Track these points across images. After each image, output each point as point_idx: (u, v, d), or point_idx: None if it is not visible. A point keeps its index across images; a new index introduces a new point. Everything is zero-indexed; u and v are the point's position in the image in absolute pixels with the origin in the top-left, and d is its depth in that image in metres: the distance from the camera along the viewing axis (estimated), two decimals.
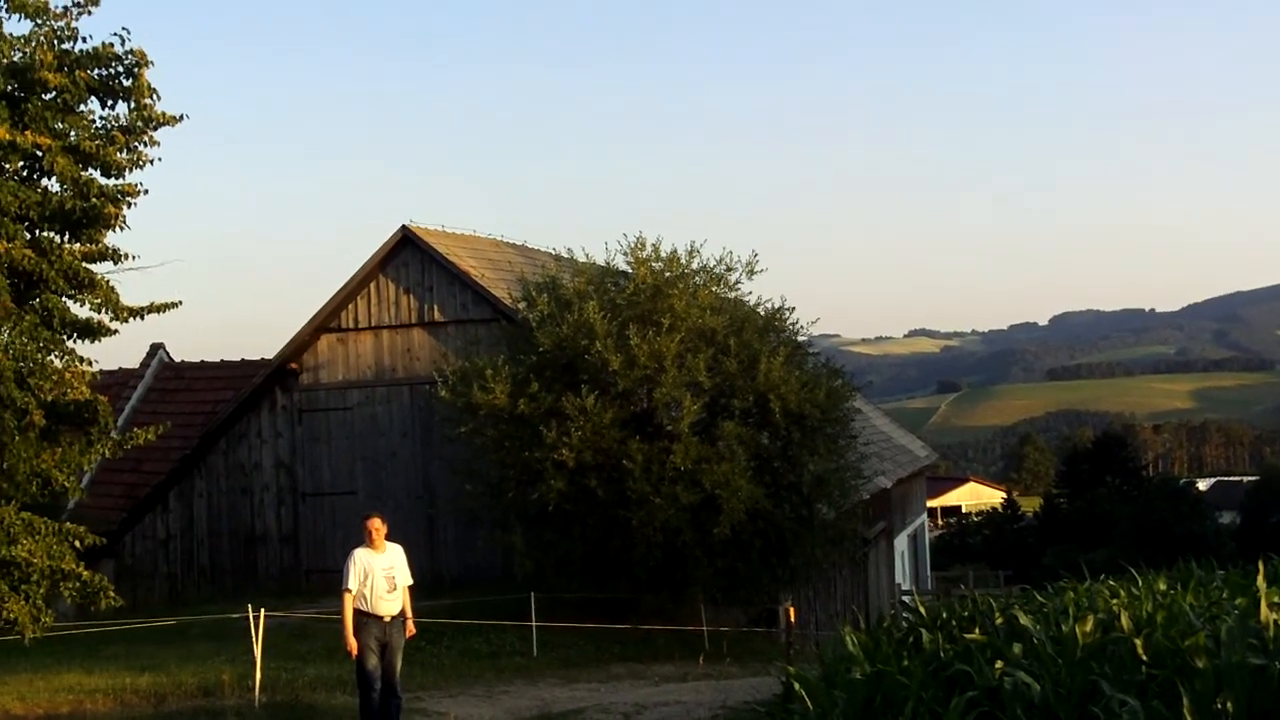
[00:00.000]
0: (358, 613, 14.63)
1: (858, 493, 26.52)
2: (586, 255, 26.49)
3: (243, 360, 34.11)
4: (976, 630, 11.03)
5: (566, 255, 27.48)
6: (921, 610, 13.78)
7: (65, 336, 14.22)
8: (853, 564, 32.61)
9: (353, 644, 14.54)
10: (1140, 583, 14.92)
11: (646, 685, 19.40)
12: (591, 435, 22.73)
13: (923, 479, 51.26)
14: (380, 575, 14.70)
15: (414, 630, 15.34)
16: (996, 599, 14.32)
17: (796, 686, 9.41)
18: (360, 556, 14.77)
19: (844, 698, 8.90)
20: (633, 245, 25.17)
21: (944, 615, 12.98)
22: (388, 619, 14.72)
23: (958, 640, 10.60)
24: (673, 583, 23.73)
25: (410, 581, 15.11)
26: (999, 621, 11.68)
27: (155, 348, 35.74)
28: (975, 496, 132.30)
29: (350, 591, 14.60)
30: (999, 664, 9.23)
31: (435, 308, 29.50)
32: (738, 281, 25.65)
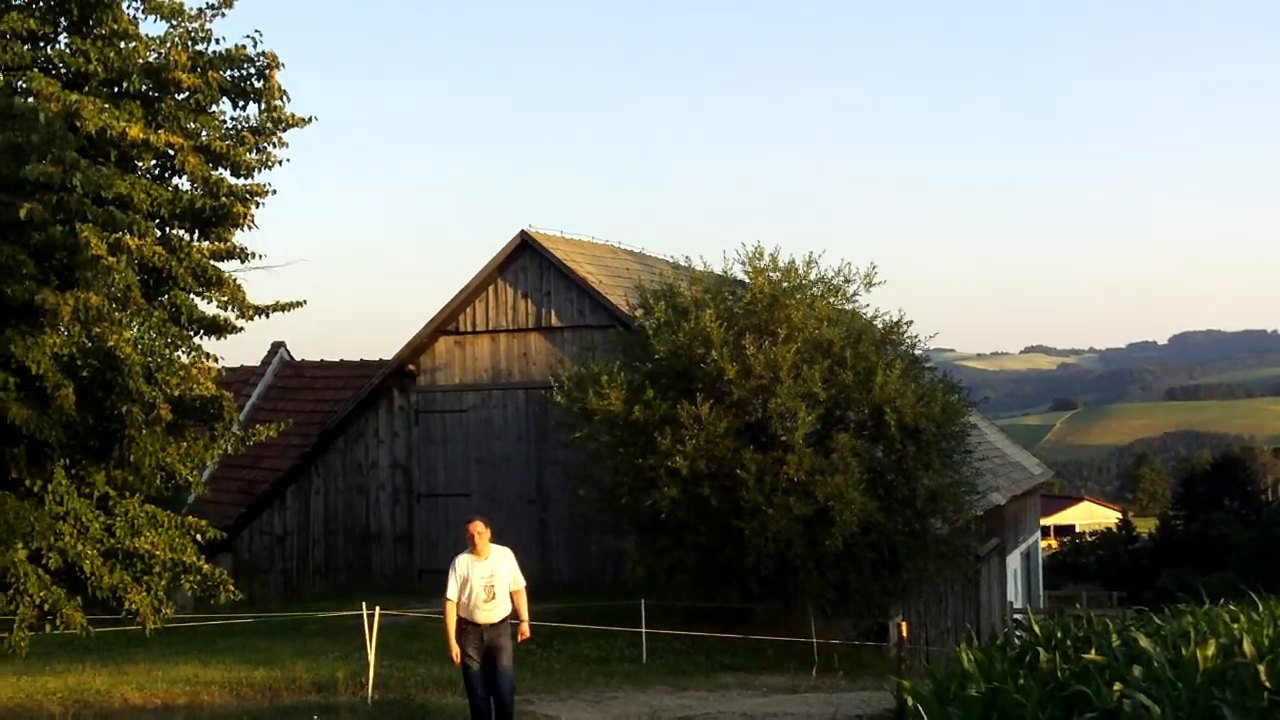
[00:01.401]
0: (460, 620, 14.49)
1: (972, 508, 26.30)
2: (704, 263, 26.54)
3: (361, 360, 34.49)
4: (1093, 651, 10.93)
5: (684, 263, 27.50)
6: (1036, 629, 13.66)
7: (192, 333, 14.47)
8: (965, 580, 32.35)
9: (454, 651, 14.47)
10: (1260, 608, 14.69)
11: (755, 695, 19.36)
12: (705, 444, 22.74)
13: (1037, 497, 50.70)
14: (478, 584, 14.46)
15: (527, 634, 15.04)
16: (1113, 620, 14.16)
17: (910, 702, 9.38)
18: (460, 564, 14.59)
19: (959, 714, 8.86)
20: (750, 254, 25.17)
21: (1059, 635, 12.85)
22: (487, 626, 14.47)
23: (1074, 660, 10.51)
24: (783, 594, 23.67)
25: (520, 585, 14.80)
26: (1116, 643, 11.55)
27: (276, 346, 36.22)
28: (1090, 516, 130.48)
29: (451, 600, 14.47)
30: (1118, 686, 9.13)
31: (552, 313, 29.63)
32: (855, 293, 25.56)
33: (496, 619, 14.54)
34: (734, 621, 23.84)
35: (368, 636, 18.18)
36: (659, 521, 23.40)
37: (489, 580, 14.46)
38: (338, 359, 35.66)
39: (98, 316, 11.48)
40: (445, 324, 30.45)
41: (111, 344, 11.90)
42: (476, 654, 14.45)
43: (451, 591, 14.44)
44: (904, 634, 18.88)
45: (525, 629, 14.98)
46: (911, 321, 25.75)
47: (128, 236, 11.94)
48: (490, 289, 30.13)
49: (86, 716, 16.45)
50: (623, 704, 18.29)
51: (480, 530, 14.72)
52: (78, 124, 12.29)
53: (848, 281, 25.40)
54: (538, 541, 29.41)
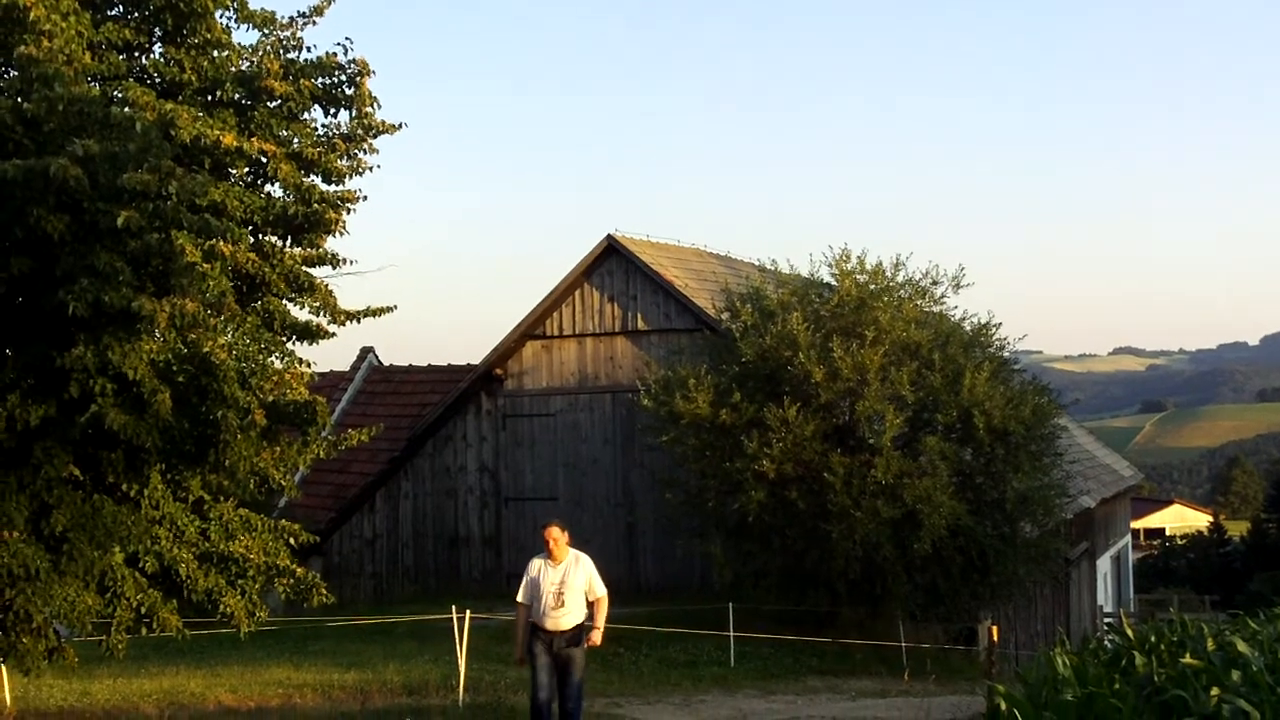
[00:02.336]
0: (530, 625, 14.23)
1: (1062, 511, 26.10)
2: (790, 266, 26.50)
3: (449, 365, 34.70)
4: (1188, 655, 10.82)
5: (770, 266, 27.49)
6: (1129, 633, 13.54)
7: (285, 338, 14.58)
8: (1054, 584, 32.09)
9: (519, 650, 14.41)
10: None
11: (844, 699, 19.31)
12: (793, 447, 22.72)
13: (1127, 500, 50.26)
14: (548, 590, 14.12)
15: (597, 641, 14.45)
16: (1207, 624, 14.01)
17: (1003, 706, 9.32)
18: (533, 568, 14.35)
19: (1054, 719, 8.81)
20: (837, 257, 25.12)
21: (1153, 639, 12.73)
22: (556, 634, 14.11)
23: (1169, 665, 10.41)
24: (871, 597, 23.61)
25: (599, 594, 14.40)
26: (1212, 647, 11.42)
27: (365, 351, 36.50)
28: (1180, 519, 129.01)
29: (520, 603, 14.36)
30: (1215, 691, 9.02)
31: (638, 316, 29.69)
32: (943, 295, 25.47)
33: (566, 626, 14.18)
34: (821, 625, 23.80)
35: (457, 640, 18.29)
36: (746, 525, 23.40)
37: (559, 587, 14.13)
38: (425, 364, 35.90)
39: (193, 322, 11.58)
40: (532, 328, 30.58)
41: (207, 350, 12.01)
42: (546, 659, 14.13)
43: (521, 594, 14.34)
44: (994, 637, 18.75)
45: (596, 636, 14.43)
46: (1000, 323, 25.65)
47: (222, 243, 12.05)
48: (577, 293, 30.24)
49: (182, 718, 16.66)
50: (711, 708, 18.29)
51: (556, 536, 14.40)
52: (173, 133, 12.42)
53: (935, 283, 25.33)
54: (624, 545, 29.50)
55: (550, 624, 14.10)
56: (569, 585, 14.17)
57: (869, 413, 22.97)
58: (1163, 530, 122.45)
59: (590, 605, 14.39)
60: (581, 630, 14.25)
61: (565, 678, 14.11)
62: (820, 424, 23.10)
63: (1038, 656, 12.70)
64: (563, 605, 14.10)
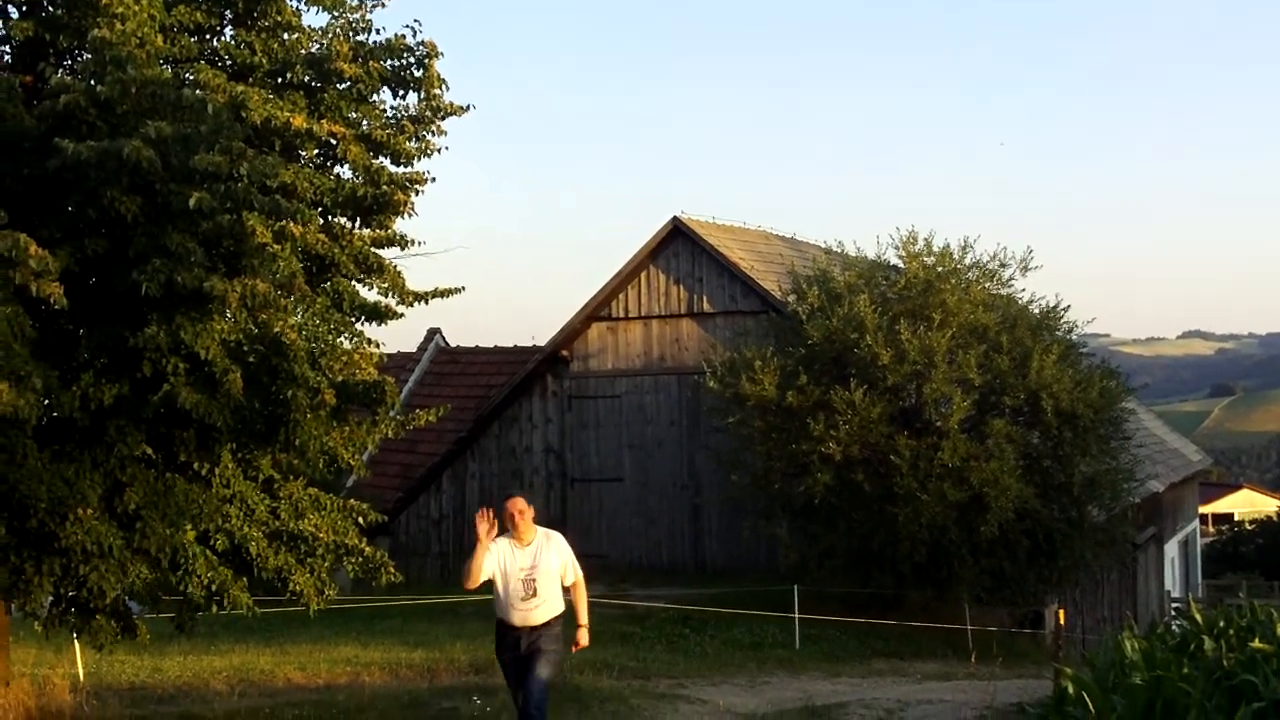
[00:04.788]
0: (497, 621, 12.12)
1: (1129, 495, 25.96)
2: (857, 249, 26.45)
3: (515, 346, 34.81)
4: (1257, 639, 10.76)
5: (837, 248, 27.43)
6: (1198, 617, 13.46)
7: (354, 319, 14.69)
8: (1121, 569, 31.92)
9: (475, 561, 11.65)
10: None
11: (909, 682, 19.29)
12: (859, 429, 22.69)
13: (1195, 484, 49.83)
14: (516, 578, 11.81)
15: (584, 642, 12.34)
16: (1277, 609, 13.91)
17: (1071, 689, 9.31)
18: (497, 551, 11.85)
19: (1123, 703, 8.78)
20: (904, 239, 25.06)
21: (1222, 624, 12.66)
22: (526, 630, 11.86)
23: (1239, 650, 10.36)
24: (937, 580, 23.56)
25: (573, 579, 12.15)
26: None
27: (432, 332, 36.68)
28: (1249, 504, 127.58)
29: (477, 563, 11.70)
30: None
31: (704, 298, 29.69)
32: (1011, 278, 25.37)
33: (539, 621, 11.90)
34: (886, 608, 23.78)
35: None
36: (812, 507, 23.39)
37: (530, 573, 11.82)
38: (491, 345, 36.03)
39: (264, 303, 11.67)
40: (598, 310, 30.64)
41: (277, 330, 12.11)
42: (511, 660, 12.04)
43: (479, 569, 11.76)
44: (1061, 621, 18.67)
45: (583, 636, 12.35)
46: (1069, 306, 25.52)
47: (292, 224, 12.13)
48: (643, 275, 30.26)
49: (252, 695, 16.82)
50: (776, 689, 18.30)
51: (521, 508, 11.97)
52: (244, 115, 12.50)
53: (1003, 266, 25.25)
54: (690, 526, 29.53)
55: (519, 618, 11.86)
56: (541, 570, 11.88)
57: (936, 395, 22.91)
58: (1231, 515, 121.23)
59: (566, 593, 12.23)
60: (556, 624, 12.06)
61: (528, 673, 11.78)
62: (887, 407, 23.05)
63: (1104, 641, 12.67)
64: (535, 594, 11.82)
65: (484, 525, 11.71)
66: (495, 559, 11.81)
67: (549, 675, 11.98)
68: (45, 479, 12.06)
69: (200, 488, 13.42)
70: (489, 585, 11.95)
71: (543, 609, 11.88)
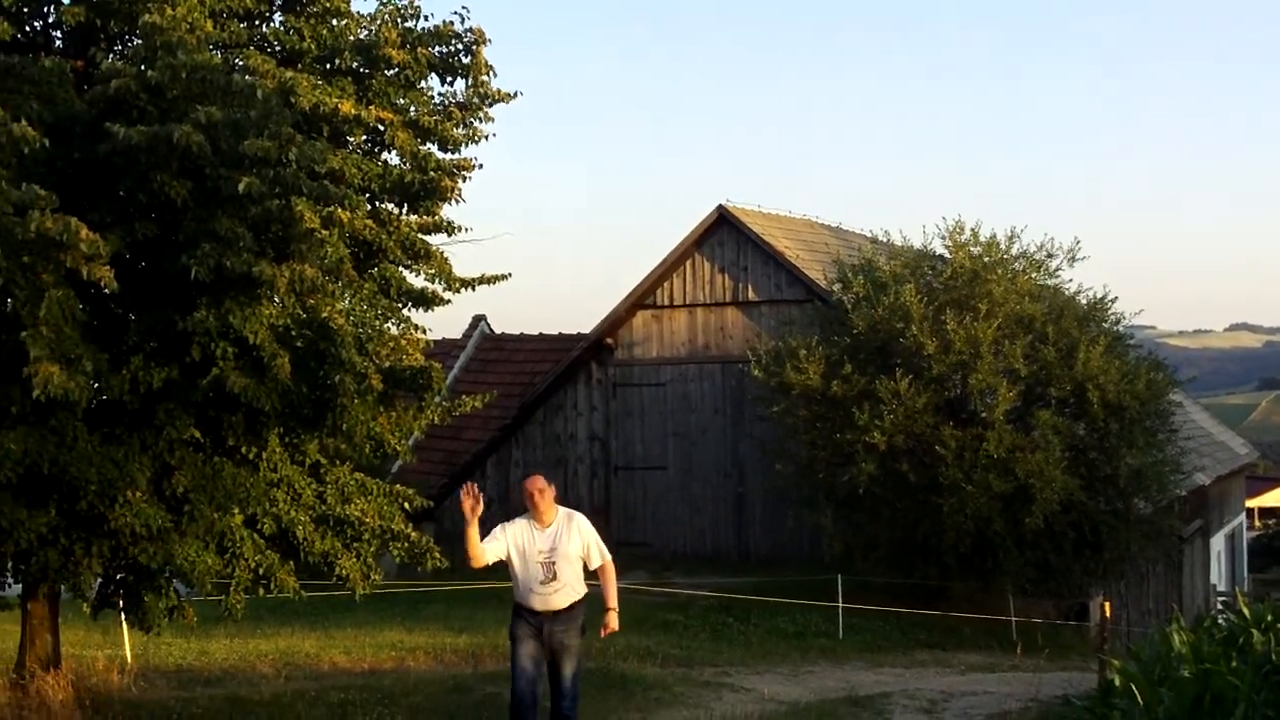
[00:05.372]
0: (514, 605, 11.65)
1: (1176, 488, 25.81)
2: (903, 238, 26.38)
3: (560, 334, 34.80)
4: None
5: (882, 238, 27.36)
6: (1246, 611, 13.35)
7: (401, 305, 14.79)
8: (1167, 562, 31.74)
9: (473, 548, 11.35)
10: None
11: (952, 674, 19.25)
12: (904, 419, 22.65)
13: (1242, 478, 49.49)
14: (535, 560, 11.40)
15: (614, 626, 11.84)
16: None
17: (1118, 682, 9.25)
18: (514, 531, 11.56)
19: (1170, 696, 8.71)
20: (951, 229, 24.99)
21: (1269, 617, 12.56)
22: (548, 615, 11.44)
23: None
24: (982, 571, 23.49)
25: (600, 562, 11.74)
26: None
27: (477, 319, 36.72)
28: None
29: (481, 547, 11.42)
30: None
31: (749, 287, 29.64)
32: (1058, 269, 25.26)
33: (560, 605, 11.46)
34: (930, 599, 23.74)
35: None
36: (856, 497, 23.36)
37: (549, 555, 11.41)
38: (535, 332, 36.06)
39: (312, 288, 11.73)
40: (643, 298, 30.64)
41: (325, 315, 12.18)
42: (533, 644, 11.50)
43: (490, 550, 11.47)
44: (1108, 614, 18.59)
45: (613, 619, 11.81)
46: (1116, 298, 25.41)
47: (340, 210, 12.20)
48: (688, 263, 30.24)
49: (297, 679, 16.90)
50: (819, 678, 18.29)
51: (542, 487, 11.62)
52: (292, 100, 12.57)
53: (1050, 256, 25.13)
54: (733, 515, 29.51)
55: (540, 603, 11.41)
56: (562, 553, 11.47)
57: (981, 386, 22.84)
58: (1278, 509, 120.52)
59: (598, 575, 11.85)
60: (579, 610, 11.65)
61: (557, 671, 11.54)
62: (932, 396, 23.00)
63: (1151, 633, 12.58)
64: (555, 578, 11.39)
65: (469, 502, 11.40)
66: (513, 539, 11.50)
67: (576, 670, 11.63)
68: (95, 461, 12.16)
69: (248, 471, 13.52)
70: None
71: (564, 593, 11.46)
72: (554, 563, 11.37)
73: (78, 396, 10.84)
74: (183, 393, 12.37)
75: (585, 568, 11.75)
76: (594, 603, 11.95)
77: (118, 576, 13.93)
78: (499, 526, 11.64)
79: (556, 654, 11.46)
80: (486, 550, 11.44)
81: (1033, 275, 24.75)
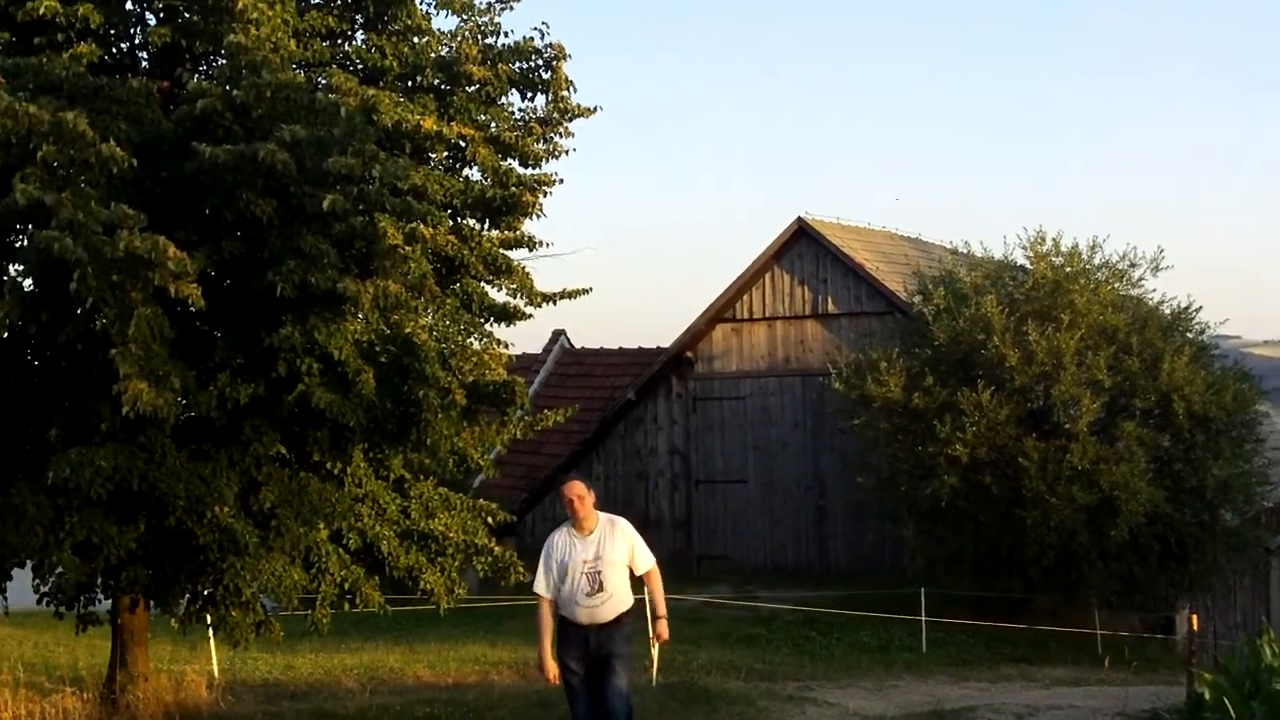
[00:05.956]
0: (560, 620, 10.77)
1: (1263, 499, 25.55)
2: (984, 249, 26.27)
3: (639, 348, 34.84)
4: None
5: (963, 249, 27.25)
6: None
7: (484, 320, 14.86)
8: (1254, 574, 31.35)
9: (548, 667, 10.75)
10: None
11: (1037, 688, 19.07)
12: (986, 431, 22.54)
13: None
14: (579, 570, 10.57)
15: (665, 635, 11.30)
16: None
17: (1208, 695, 9.18)
18: (555, 544, 10.77)
19: (1262, 710, 8.65)
20: (1032, 240, 24.87)
21: None
22: (594, 628, 10.63)
23: None
24: (1066, 584, 23.32)
25: (646, 567, 10.93)
26: None
27: (557, 334, 36.83)
28: None
29: (544, 597, 10.77)
30: None
31: (829, 299, 29.60)
32: (1141, 278, 25.06)
33: (606, 618, 10.66)
34: (1014, 612, 23.57)
35: (649, 620, 18.37)
36: (938, 510, 23.26)
37: (594, 565, 10.61)
38: (614, 346, 36.10)
39: (396, 304, 11.80)
40: (722, 311, 30.67)
41: (408, 330, 12.26)
42: (580, 665, 10.71)
43: (541, 585, 10.75)
44: (1195, 626, 18.38)
45: (663, 628, 11.26)
46: (1200, 308, 25.17)
47: (423, 226, 12.26)
48: (767, 276, 30.25)
49: (382, 693, 16.97)
50: (903, 693, 18.17)
51: (581, 494, 10.72)
52: (375, 118, 12.66)
53: (1133, 266, 24.95)
54: (815, 528, 29.45)
55: (586, 616, 10.62)
56: (607, 560, 10.64)
57: (1065, 397, 22.70)
58: None
59: (644, 582, 11.11)
60: (626, 621, 10.86)
61: (605, 681, 10.66)
62: (1014, 408, 22.88)
63: (1240, 646, 12.47)
64: (601, 589, 10.59)
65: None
66: (553, 553, 10.72)
67: (627, 684, 10.77)
68: (183, 478, 12.28)
69: (333, 487, 13.61)
70: None
71: (611, 604, 10.62)
72: (599, 572, 10.57)
73: (166, 413, 10.95)
74: (269, 409, 12.48)
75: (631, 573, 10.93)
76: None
77: (205, 592, 14.05)
78: (542, 554, 10.89)
79: (605, 662, 10.65)
80: (541, 592, 10.78)
81: (1115, 285, 24.58)
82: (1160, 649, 23.62)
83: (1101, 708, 16.25)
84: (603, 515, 10.81)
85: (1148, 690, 17.72)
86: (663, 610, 11.08)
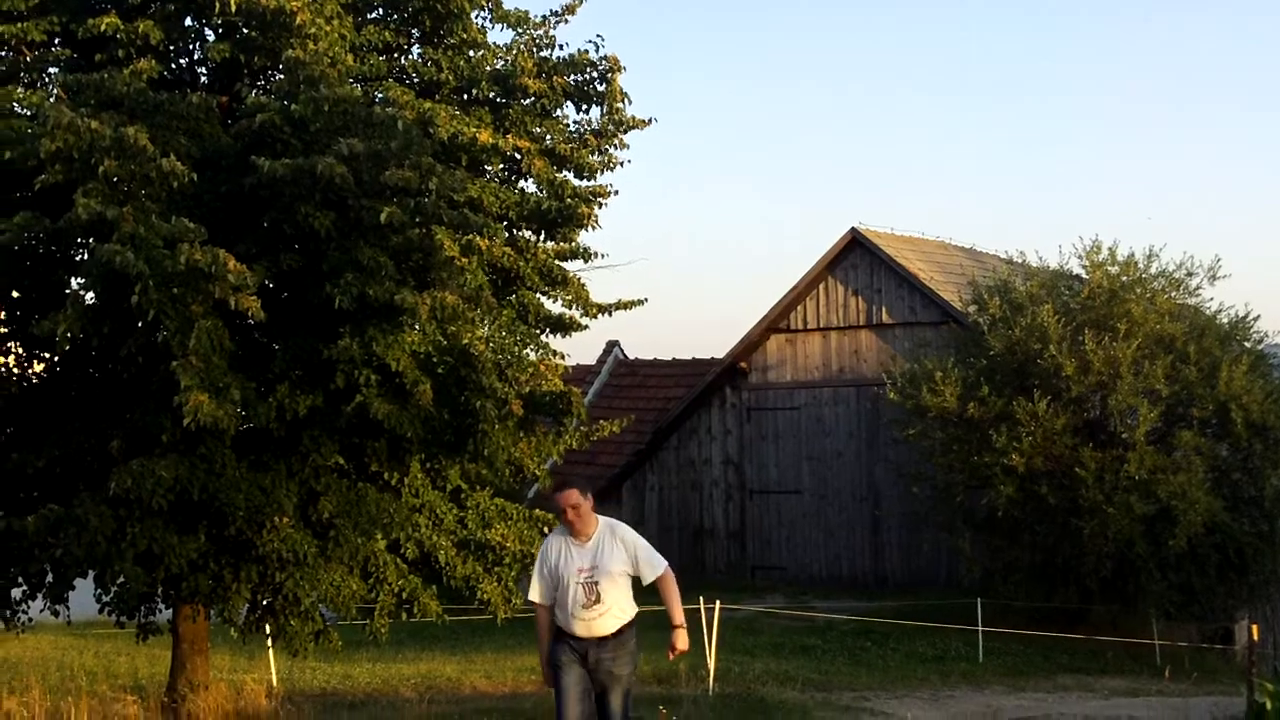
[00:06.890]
0: (556, 631, 9.91)
1: None
2: (1039, 259, 26.16)
3: (693, 359, 34.85)
4: None
5: (1018, 259, 27.16)
6: None
7: (540, 331, 14.95)
8: None
9: (550, 675, 10.01)
10: None
11: (1096, 698, 18.99)
12: (1042, 441, 22.44)
13: None
14: (574, 580, 9.68)
15: (682, 646, 9.91)
16: None
17: (1269, 705, 9.15)
18: (549, 552, 9.90)
19: None
20: (1088, 249, 24.72)
21: None
22: (592, 642, 9.73)
23: None
24: (1123, 595, 23.18)
25: (654, 575, 9.85)
26: None
27: (611, 345, 36.89)
28: None
29: (539, 604, 9.98)
30: None
31: (883, 310, 29.54)
32: (1198, 287, 24.89)
33: (605, 631, 9.75)
34: (1071, 622, 23.44)
35: (706, 630, 18.41)
36: (994, 520, 23.18)
37: (590, 575, 9.70)
38: (668, 357, 36.12)
39: (453, 315, 11.89)
40: (776, 322, 30.66)
41: (465, 341, 12.35)
42: (578, 676, 9.78)
43: (535, 593, 9.96)
44: (1254, 637, 18.26)
45: (680, 638, 9.90)
46: (1259, 316, 25.00)
47: (479, 238, 12.36)
48: (820, 286, 30.23)
49: (439, 702, 17.05)
50: (960, 703, 18.14)
51: (576, 502, 9.76)
52: (431, 131, 12.77)
53: (1190, 275, 24.74)
54: (869, 539, 29.37)
55: (583, 629, 9.73)
56: (605, 570, 9.71)
57: (1121, 407, 22.58)
58: None
59: (657, 588, 9.95)
60: (628, 635, 9.90)
61: (604, 705, 9.89)
62: (1071, 418, 22.76)
63: None
64: (599, 601, 9.68)
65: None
66: (548, 559, 9.89)
67: (626, 703, 9.97)
68: (243, 488, 12.41)
69: (391, 497, 13.72)
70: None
71: (610, 616, 9.72)
72: (596, 582, 9.65)
73: (226, 424, 11.08)
74: (327, 420, 12.60)
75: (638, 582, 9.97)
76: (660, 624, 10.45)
77: (265, 601, 14.17)
78: (536, 560, 10.12)
79: (603, 685, 9.81)
80: (534, 598, 10.02)
81: (1172, 294, 24.43)
82: (1219, 659, 23.43)
83: (1160, 718, 16.18)
84: (602, 520, 9.92)
85: (1208, 701, 17.64)
86: (679, 620, 9.85)
